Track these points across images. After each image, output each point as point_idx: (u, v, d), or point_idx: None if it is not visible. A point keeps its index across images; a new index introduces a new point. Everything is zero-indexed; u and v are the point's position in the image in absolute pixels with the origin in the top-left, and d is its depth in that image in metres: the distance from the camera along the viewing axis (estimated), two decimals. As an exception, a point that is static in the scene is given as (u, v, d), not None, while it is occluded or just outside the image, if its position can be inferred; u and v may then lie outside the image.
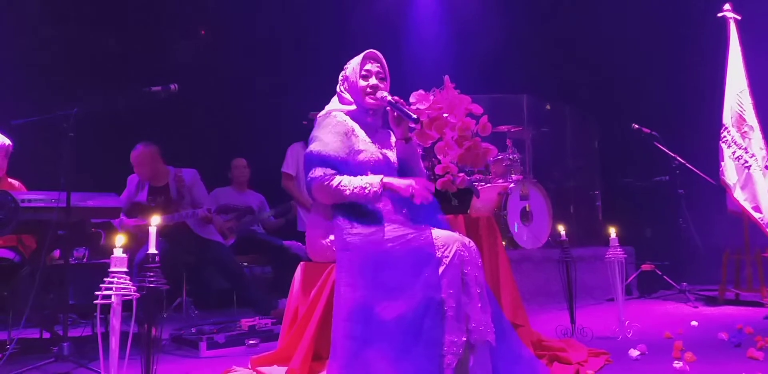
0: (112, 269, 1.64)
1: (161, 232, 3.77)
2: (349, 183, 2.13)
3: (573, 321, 3.07)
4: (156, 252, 1.87)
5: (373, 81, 2.32)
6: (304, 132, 4.67)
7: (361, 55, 2.36)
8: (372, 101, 2.32)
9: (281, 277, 4.53)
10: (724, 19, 4.35)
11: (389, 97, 2.28)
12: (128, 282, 1.65)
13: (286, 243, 4.59)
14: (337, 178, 2.14)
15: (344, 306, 2.01)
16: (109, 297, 1.66)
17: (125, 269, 1.65)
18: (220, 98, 5.84)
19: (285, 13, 6.14)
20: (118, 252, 1.66)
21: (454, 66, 6.06)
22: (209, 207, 3.94)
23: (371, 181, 2.13)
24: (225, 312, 4.39)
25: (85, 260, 3.84)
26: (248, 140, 5.73)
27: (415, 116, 2.25)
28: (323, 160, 2.16)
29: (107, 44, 5.57)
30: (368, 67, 2.34)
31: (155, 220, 2.10)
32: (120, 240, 1.72)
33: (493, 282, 2.49)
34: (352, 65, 2.36)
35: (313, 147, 2.21)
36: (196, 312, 4.34)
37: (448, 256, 2.00)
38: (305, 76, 6.00)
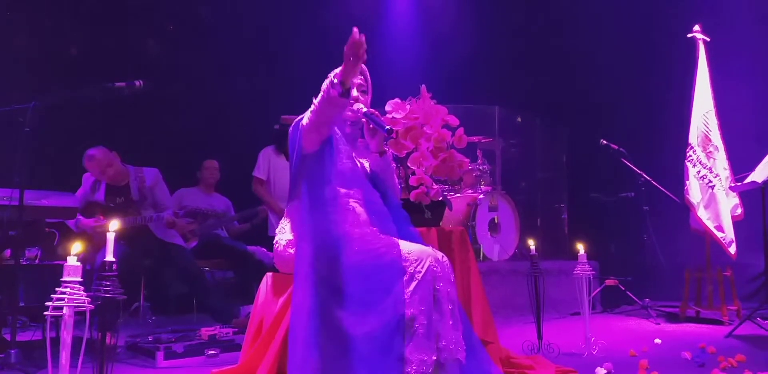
0: (65, 278, 1.54)
1: (121, 235, 3.64)
2: (312, 105, 2.09)
3: (540, 337, 3.05)
4: (113, 259, 1.77)
5: (354, 93, 2.27)
6: (276, 136, 4.63)
7: None
8: (349, 113, 2.27)
9: (244, 283, 4.44)
10: (694, 41, 4.42)
11: (364, 109, 2.24)
12: (82, 292, 1.55)
13: (251, 248, 4.49)
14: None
15: (304, 313, 1.93)
16: (60, 308, 1.55)
17: (79, 278, 1.55)
18: (190, 98, 5.71)
19: (261, 17, 6.06)
20: (72, 261, 1.55)
21: (428, 75, 6.06)
22: (177, 211, 3.81)
23: (325, 84, 2.05)
24: (183, 318, 4.26)
25: (37, 261, 3.68)
26: (218, 142, 5.62)
27: (388, 127, 2.20)
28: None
29: (76, 40, 5.39)
30: None
31: (113, 225, 1.99)
32: (76, 247, 1.61)
33: (465, 297, 2.45)
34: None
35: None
36: (153, 318, 4.20)
37: (420, 272, 1.95)
38: (279, 80, 5.93)
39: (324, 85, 2.11)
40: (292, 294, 1.99)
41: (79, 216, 3.78)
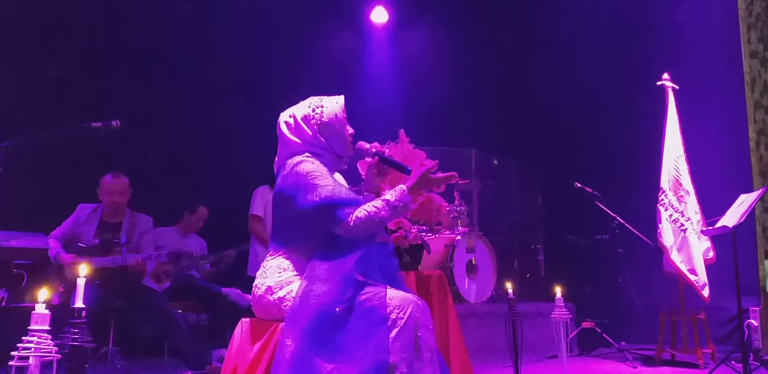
0: (33, 327, 1.48)
1: (96, 275, 3.55)
2: (374, 206, 2.03)
3: (518, 383, 3.01)
4: (83, 306, 1.72)
5: (350, 128, 2.26)
6: (271, 175, 4.59)
7: (341, 98, 2.25)
8: (354, 150, 2.26)
9: (217, 326, 4.33)
10: (663, 88, 4.57)
11: (375, 150, 2.25)
12: (49, 342, 1.49)
13: (225, 290, 4.41)
14: (361, 209, 2.02)
15: (285, 362, 1.89)
16: (26, 357, 1.50)
17: (47, 327, 1.49)
18: (166, 137, 5.69)
19: (244, 56, 6.12)
20: (40, 309, 1.50)
21: (406, 118, 6.16)
22: (161, 252, 3.73)
23: (395, 194, 2.05)
24: (154, 362, 4.13)
25: (3, 303, 3.57)
26: (196, 182, 5.59)
27: (410, 168, 2.20)
28: (343, 202, 2.03)
29: (50, 78, 5.37)
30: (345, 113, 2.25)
31: (83, 270, 1.95)
32: (43, 294, 1.56)
33: (443, 343, 2.42)
34: (333, 110, 2.21)
35: (321, 193, 2.03)
36: (122, 362, 4.06)
37: (402, 318, 1.91)
38: (260, 119, 5.92)
39: (316, 119, 2.17)
40: (279, 342, 1.94)
41: (60, 249, 3.70)
